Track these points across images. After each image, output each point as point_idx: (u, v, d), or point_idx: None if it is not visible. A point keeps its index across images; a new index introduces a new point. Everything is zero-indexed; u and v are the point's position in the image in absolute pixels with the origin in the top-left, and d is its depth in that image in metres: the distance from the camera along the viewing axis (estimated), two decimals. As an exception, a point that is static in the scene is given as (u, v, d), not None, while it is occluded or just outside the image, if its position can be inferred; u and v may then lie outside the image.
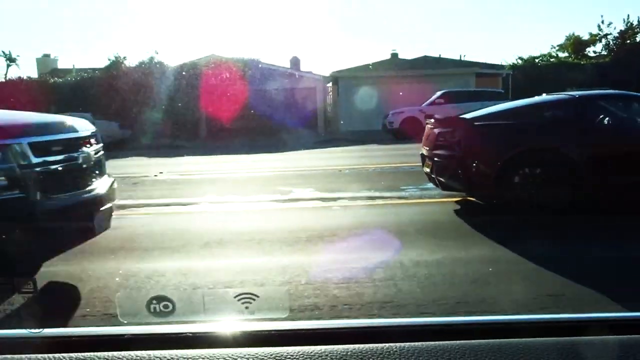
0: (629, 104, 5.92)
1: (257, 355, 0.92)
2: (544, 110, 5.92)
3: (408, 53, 42.84)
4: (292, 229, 5.12)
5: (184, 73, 22.42)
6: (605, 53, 26.29)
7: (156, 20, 55.35)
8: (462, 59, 31.00)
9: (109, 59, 23.54)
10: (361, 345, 0.93)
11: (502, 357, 0.88)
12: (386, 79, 24.01)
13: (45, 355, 0.93)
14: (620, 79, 22.49)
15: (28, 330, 1.01)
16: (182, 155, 14.81)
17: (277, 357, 0.92)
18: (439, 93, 20.05)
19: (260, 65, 23.63)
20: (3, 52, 43.88)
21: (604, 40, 26.68)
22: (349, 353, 0.91)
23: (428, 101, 19.73)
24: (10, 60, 43.50)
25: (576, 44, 27.31)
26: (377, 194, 7.06)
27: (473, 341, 0.93)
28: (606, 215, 5.22)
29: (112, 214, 4.00)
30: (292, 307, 2.74)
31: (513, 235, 4.67)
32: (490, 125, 5.54)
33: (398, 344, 0.93)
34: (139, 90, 21.35)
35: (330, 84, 27.03)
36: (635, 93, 6.05)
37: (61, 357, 0.92)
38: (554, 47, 28.27)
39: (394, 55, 34.81)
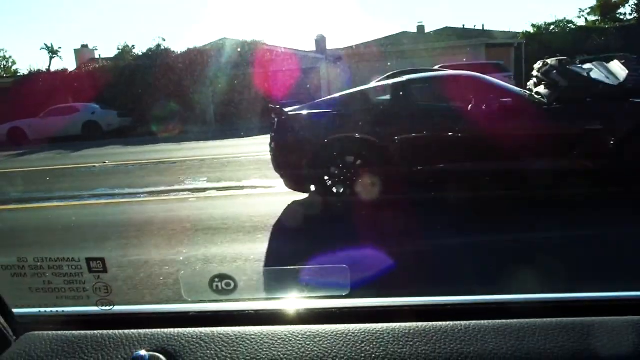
0: (447, 86, 5.49)
1: (318, 332, 0.95)
2: (360, 98, 5.61)
3: (435, 24, 41.35)
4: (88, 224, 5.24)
5: (188, 59, 22.80)
6: (636, 15, 24.12)
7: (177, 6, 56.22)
8: (484, 28, 29.70)
9: (118, 48, 24.33)
10: (425, 324, 0.95)
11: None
12: (392, 54, 23.35)
13: (116, 331, 1.00)
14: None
15: (99, 307, 1.07)
16: (173, 142, 15.11)
17: (338, 335, 0.94)
18: (436, 67, 19.33)
19: (264, 47, 23.61)
20: (45, 44, 46.31)
21: (632, 0, 24.45)
22: (411, 331, 0.93)
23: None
24: (53, 52, 45.90)
25: (603, 6, 25.25)
26: (246, 183, 7.04)
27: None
28: (419, 206, 4.96)
29: None
30: None
31: (297, 231, 4.60)
32: (303, 115, 5.33)
33: (463, 322, 0.94)
34: (144, 78, 21.95)
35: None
36: (468, 73, 5.61)
37: (130, 333, 0.99)
38: (583, 11, 26.34)
39: (421, 27, 33.76)
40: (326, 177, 5.06)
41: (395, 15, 59.57)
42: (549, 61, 5.49)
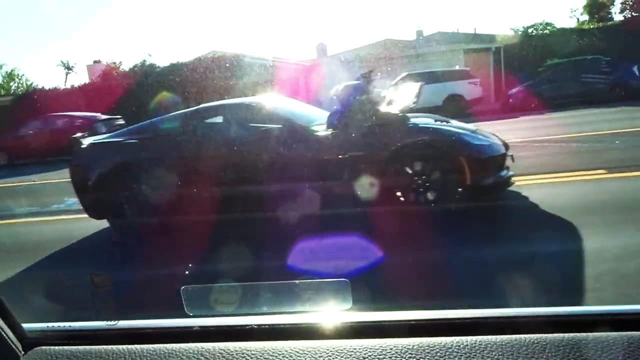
0: (225, 114, 5.60)
1: (320, 348, 0.94)
2: (153, 126, 5.78)
3: (433, 28, 41.09)
4: None
5: (171, 74, 23.45)
6: (629, 15, 23.20)
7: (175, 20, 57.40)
8: (475, 32, 29.27)
9: (107, 64, 25.21)
10: (429, 339, 0.93)
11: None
12: (373, 62, 23.30)
13: (120, 347, 1.01)
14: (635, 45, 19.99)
15: (105, 322, 1.10)
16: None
17: (340, 351, 0.93)
18: (403, 75, 19.21)
19: (245, 60, 24.00)
20: (62, 61, 48.18)
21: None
22: (414, 347, 0.92)
23: (389, 85, 18.99)
24: (68, 68, 47.71)
25: (591, 6, 24.44)
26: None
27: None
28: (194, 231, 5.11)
29: None
30: None
31: (65, 257, 4.83)
32: (96, 144, 5.58)
33: (470, 338, 0.92)
34: (127, 94, 22.71)
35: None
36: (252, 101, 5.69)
37: (134, 349, 1.00)
38: (574, 11, 25.55)
39: (419, 32, 33.55)
40: (113, 205, 5.28)
41: (398, 21, 59.68)
42: (343, 84, 5.54)
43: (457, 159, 4.73)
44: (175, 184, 5.11)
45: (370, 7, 61.69)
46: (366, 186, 4.88)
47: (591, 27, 22.42)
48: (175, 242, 4.98)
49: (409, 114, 5.22)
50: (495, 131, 10.34)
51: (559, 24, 24.29)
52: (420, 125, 5.05)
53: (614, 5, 23.84)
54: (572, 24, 25.37)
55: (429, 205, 4.75)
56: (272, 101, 5.90)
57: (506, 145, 5.26)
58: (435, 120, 5.55)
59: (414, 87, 5.68)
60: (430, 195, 4.81)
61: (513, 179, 5.18)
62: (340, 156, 4.94)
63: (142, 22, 69.62)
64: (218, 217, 5.12)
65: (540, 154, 7.59)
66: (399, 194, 4.87)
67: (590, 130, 9.60)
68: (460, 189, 4.76)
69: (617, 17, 23.60)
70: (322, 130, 5.17)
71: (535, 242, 3.78)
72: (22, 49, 61.40)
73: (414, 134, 4.90)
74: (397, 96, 5.72)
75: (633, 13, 22.94)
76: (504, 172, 5.04)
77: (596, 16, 23.72)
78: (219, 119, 5.56)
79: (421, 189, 4.81)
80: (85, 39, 66.71)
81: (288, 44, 57.29)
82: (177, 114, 5.80)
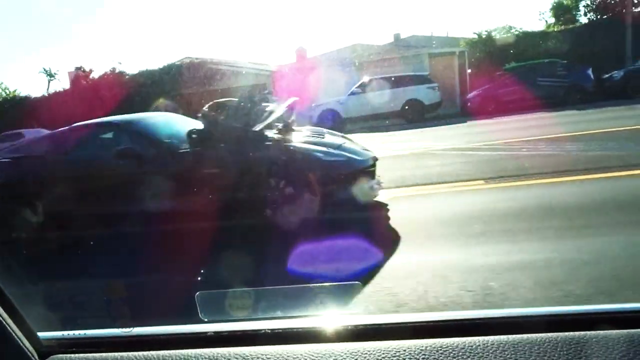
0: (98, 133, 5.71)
1: (334, 351, 0.95)
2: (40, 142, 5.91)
3: (410, 32, 41.33)
4: None
5: (138, 81, 23.54)
6: (593, 17, 23.31)
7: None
8: (448, 35, 29.43)
9: (77, 72, 25.27)
10: (445, 340, 0.93)
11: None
12: (342, 66, 23.39)
13: (136, 353, 1.01)
14: (596, 47, 20.15)
15: (120, 329, 1.11)
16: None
17: (354, 353, 0.94)
18: (364, 80, 19.31)
19: (216, 66, 24.06)
20: (44, 69, 48.12)
21: (584, 1, 23.61)
22: (427, 348, 0.92)
23: (349, 91, 19.11)
24: (50, 75, 47.60)
25: (557, 9, 24.51)
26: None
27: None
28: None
29: None
30: None
31: None
32: None
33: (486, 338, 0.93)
34: (92, 102, 22.75)
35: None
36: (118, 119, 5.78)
37: (150, 355, 1.00)
38: (542, 14, 25.62)
39: (397, 36, 33.68)
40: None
41: (378, 24, 60.01)
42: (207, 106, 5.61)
43: (306, 175, 4.81)
44: (42, 202, 5.20)
45: (351, 11, 61.81)
46: (218, 202, 4.97)
47: (555, 30, 22.53)
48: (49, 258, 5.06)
49: (265, 129, 5.28)
50: (429, 138, 10.53)
51: (531, 27, 24.36)
52: (274, 142, 5.11)
53: (578, 8, 23.91)
54: (541, 26, 25.43)
55: (278, 221, 4.82)
56: (147, 119, 5.96)
57: (374, 159, 5.35)
58: (308, 135, 5.62)
59: (287, 102, 5.76)
60: (286, 210, 4.88)
61: (380, 191, 5.28)
62: (195, 174, 5.03)
63: (132, 28, 69.57)
64: (89, 234, 5.21)
65: (443, 163, 7.67)
66: (254, 209, 4.94)
67: (515, 137, 9.65)
68: (313, 204, 4.84)
69: (583, 19, 23.73)
70: (185, 148, 5.25)
71: (346, 258, 3.85)
72: (5, 57, 61.26)
73: (266, 151, 4.98)
74: (277, 111, 5.79)
75: (597, 16, 23.09)
76: (366, 186, 5.12)
77: (562, 19, 23.80)
78: (85, 138, 5.65)
79: (275, 205, 4.88)
80: (72, 45, 66.67)
81: (271, 49, 57.51)
82: (52, 133, 5.90)
